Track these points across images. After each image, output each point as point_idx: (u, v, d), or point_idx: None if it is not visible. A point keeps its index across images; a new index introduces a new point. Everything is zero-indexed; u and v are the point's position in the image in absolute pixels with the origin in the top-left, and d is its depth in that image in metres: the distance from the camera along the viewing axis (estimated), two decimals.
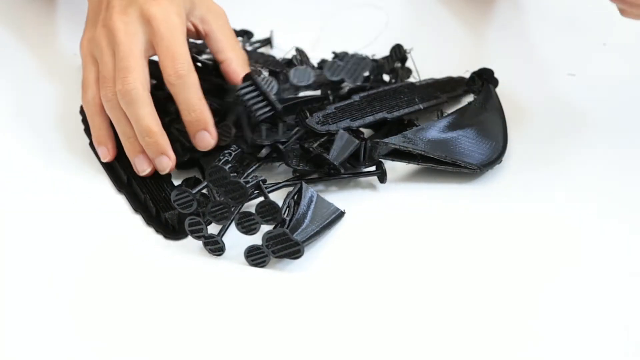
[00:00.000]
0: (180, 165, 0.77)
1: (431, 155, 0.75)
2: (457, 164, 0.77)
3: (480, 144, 0.81)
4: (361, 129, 0.81)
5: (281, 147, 0.76)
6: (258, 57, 0.97)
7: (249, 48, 1.07)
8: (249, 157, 0.76)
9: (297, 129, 0.78)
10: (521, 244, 0.71)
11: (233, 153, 0.75)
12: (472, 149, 0.80)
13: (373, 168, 0.76)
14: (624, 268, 0.67)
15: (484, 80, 0.91)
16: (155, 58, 0.78)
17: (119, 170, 0.76)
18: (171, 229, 0.70)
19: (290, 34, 1.07)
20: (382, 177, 0.76)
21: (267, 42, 1.08)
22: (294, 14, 1.14)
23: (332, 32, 1.04)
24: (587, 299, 0.64)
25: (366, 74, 0.87)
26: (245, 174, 0.73)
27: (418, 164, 0.78)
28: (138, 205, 0.73)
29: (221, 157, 0.74)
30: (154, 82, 0.81)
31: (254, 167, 0.76)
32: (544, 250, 0.70)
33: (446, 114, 0.85)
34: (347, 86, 0.87)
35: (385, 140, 0.77)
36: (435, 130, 0.81)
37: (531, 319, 0.62)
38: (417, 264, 0.68)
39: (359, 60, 0.88)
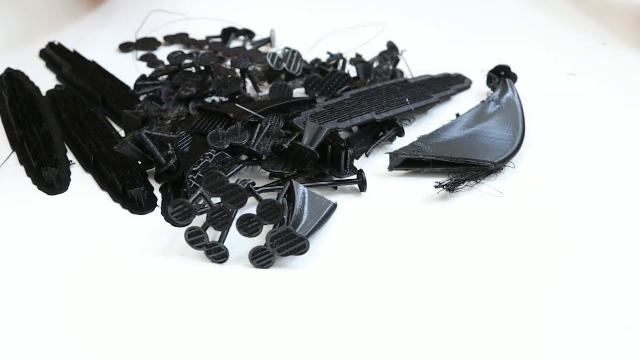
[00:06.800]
0: (159, 176, 0.76)
1: (442, 159, 0.75)
2: (471, 163, 0.75)
3: (494, 140, 0.79)
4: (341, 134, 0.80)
5: (256, 150, 0.74)
6: (254, 55, 0.96)
7: (249, 47, 1.06)
8: (230, 159, 0.74)
9: (257, 131, 0.77)
10: (519, 239, 0.68)
11: (214, 155, 0.74)
12: (487, 146, 0.78)
13: (354, 176, 0.75)
14: (626, 267, 0.64)
15: (501, 76, 0.90)
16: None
17: (87, 152, 0.79)
18: (137, 205, 0.71)
19: (291, 33, 1.07)
20: (363, 186, 0.74)
21: (268, 41, 1.07)
22: (295, 14, 1.13)
23: (330, 33, 1.03)
24: (587, 299, 0.61)
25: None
26: (236, 180, 0.72)
27: (432, 170, 0.76)
28: (105, 183, 0.75)
29: (201, 159, 0.73)
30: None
31: (235, 170, 0.74)
32: (542, 247, 0.67)
33: (461, 114, 0.84)
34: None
35: (396, 151, 0.76)
36: (447, 133, 0.80)
37: (529, 315, 0.60)
38: (415, 256, 0.66)
39: (339, 77, 0.87)
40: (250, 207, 0.65)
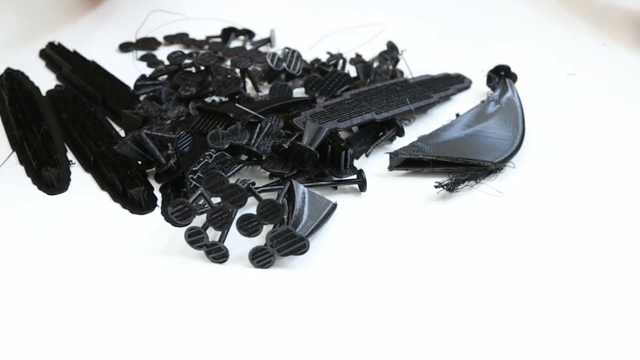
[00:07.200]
0: (159, 176, 0.76)
1: (442, 159, 0.75)
2: (471, 163, 0.75)
3: (494, 140, 0.79)
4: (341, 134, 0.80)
5: (256, 150, 0.74)
6: (254, 55, 0.96)
7: (249, 47, 1.06)
8: (230, 159, 0.74)
9: (257, 131, 0.77)
10: (519, 239, 0.68)
11: (214, 155, 0.74)
12: (487, 146, 0.78)
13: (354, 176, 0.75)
14: (627, 267, 0.64)
15: (501, 76, 0.90)
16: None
17: (87, 152, 0.79)
18: (137, 205, 0.71)
19: (291, 33, 1.06)
20: (363, 186, 0.74)
21: (268, 41, 1.07)
22: (295, 14, 1.13)
23: (330, 33, 1.03)
24: (587, 299, 0.61)
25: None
26: (236, 180, 0.72)
27: (432, 170, 0.76)
28: (105, 183, 0.75)
29: (201, 159, 0.73)
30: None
31: (235, 170, 0.74)
32: (542, 247, 0.66)
33: (461, 114, 0.84)
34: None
35: (396, 151, 0.76)
36: (447, 134, 0.80)
37: (529, 315, 0.60)
38: (415, 256, 0.66)
39: (339, 76, 0.88)
40: (250, 207, 0.65)
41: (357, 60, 0.94)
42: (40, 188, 0.74)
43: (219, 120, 0.78)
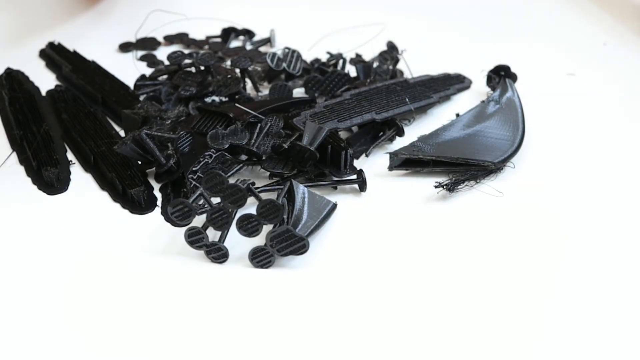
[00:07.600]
0: (159, 176, 0.75)
1: (442, 159, 0.75)
2: (471, 163, 0.75)
3: (494, 140, 0.79)
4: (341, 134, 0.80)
5: (256, 150, 0.74)
6: (254, 55, 0.96)
7: (249, 47, 1.06)
8: (230, 159, 0.74)
9: (257, 131, 0.77)
10: (519, 239, 0.68)
11: (214, 155, 0.74)
12: (487, 146, 0.78)
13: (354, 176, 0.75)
14: (627, 267, 0.64)
15: (501, 76, 0.90)
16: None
17: (87, 152, 0.79)
18: (137, 205, 0.71)
19: (291, 33, 1.06)
20: (363, 186, 0.74)
21: (268, 41, 1.07)
22: (295, 14, 1.13)
23: (330, 33, 1.03)
24: (587, 299, 0.61)
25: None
26: (236, 180, 0.72)
27: (432, 170, 0.76)
28: (105, 183, 0.75)
29: (201, 159, 0.73)
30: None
31: (235, 170, 0.74)
32: (542, 247, 0.66)
33: (461, 114, 0.84)
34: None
35: (396, 151, 0.76)
36: (447, 133, 0.80)
37: (528, 316, 0.60)
38: (415, 256, 0.66)
39: (339, 77, 0.88)
40: (250, 207, 0.65)
41: (357, 60, 0.94)
42: (40, 188, 0.74)
43: (219, 120, 0.78)
